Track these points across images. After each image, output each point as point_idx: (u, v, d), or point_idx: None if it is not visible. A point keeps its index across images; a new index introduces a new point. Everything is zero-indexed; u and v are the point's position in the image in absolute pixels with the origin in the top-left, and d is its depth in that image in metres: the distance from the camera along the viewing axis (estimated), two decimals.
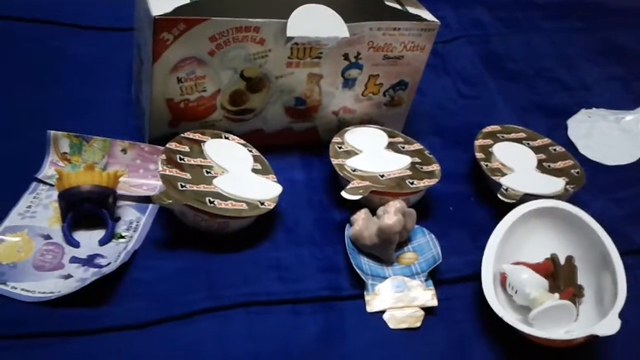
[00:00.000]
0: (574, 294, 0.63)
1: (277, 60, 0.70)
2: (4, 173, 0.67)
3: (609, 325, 0.55)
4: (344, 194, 0.67)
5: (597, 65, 1.12)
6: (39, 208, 0.64)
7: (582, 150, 0.90)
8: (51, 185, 0.66)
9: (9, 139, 0.71)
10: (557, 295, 0.62)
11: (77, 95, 0.80)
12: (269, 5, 0.69)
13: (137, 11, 0.71)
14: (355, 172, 0.71)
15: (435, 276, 0.65)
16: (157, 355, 0.54)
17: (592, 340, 0.57)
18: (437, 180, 0.72)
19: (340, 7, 0.70)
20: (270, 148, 0.74)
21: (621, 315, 0.56)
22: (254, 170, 0.70)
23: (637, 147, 0.91)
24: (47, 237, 0.61)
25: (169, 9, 0.63)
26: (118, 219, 0.65)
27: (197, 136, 0.70)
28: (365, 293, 0.62)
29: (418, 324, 0.60)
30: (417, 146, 0.78)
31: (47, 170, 0.67)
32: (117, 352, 0.53)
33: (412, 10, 0.75)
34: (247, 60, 0.69)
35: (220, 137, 0.72)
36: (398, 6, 0.75)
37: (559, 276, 0.65)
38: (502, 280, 0.64)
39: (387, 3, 0.75)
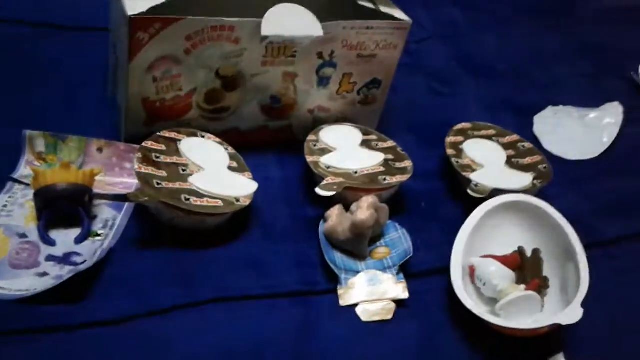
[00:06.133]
0: (540, 285, 0.65)
1: (252, 59, 0.71)
2: None
3: (572, 315, 0.58)
4: (318, 190, 0.68)
5: (568, 63, 1.15)
6: (14, 207, 0.64)
7: (547, 146, 0.92)
8: (27, 184, 0.66)
9: None
10: (523, 286, 0.64)
11: (52, 94, 0.80)
12: (244, 5, 0.70)
13: (113, 11, 0.71)
14: (329, 169, 0.72)
15: (406, 270, 0.66)
16: (133, 350, 0.54)
17: (557, 329, 0.59)
18: (409, 176, 0.74)
19: (314, 7, 0.71)
20: (246, 146, 0.75)
21: (584, 304, 0.58)
22: (230, 168, 0.70)
23: (599, 143, 0.93)
24: (23, 235, 0.62)
25: (144, 8, 0.63)
26: (94, 217, 0.65)
27: (173, 135, 0.71)
28: (338, 287, 0.64)
29: (390, 317, 0.62)
30: (390, 143, 0.80)
31: (23, 170, 0.67)
32: (93, 348, 0.54)
33: (384, 9, 0.77)
34: (223, 59, 0.70)
35: (196, 136, 0.73)
36: (371, 5, 0.77)
37: (526, 268, 0.67)
38: (471, 273, 0.66)
39: (360, 2, 0.77)
